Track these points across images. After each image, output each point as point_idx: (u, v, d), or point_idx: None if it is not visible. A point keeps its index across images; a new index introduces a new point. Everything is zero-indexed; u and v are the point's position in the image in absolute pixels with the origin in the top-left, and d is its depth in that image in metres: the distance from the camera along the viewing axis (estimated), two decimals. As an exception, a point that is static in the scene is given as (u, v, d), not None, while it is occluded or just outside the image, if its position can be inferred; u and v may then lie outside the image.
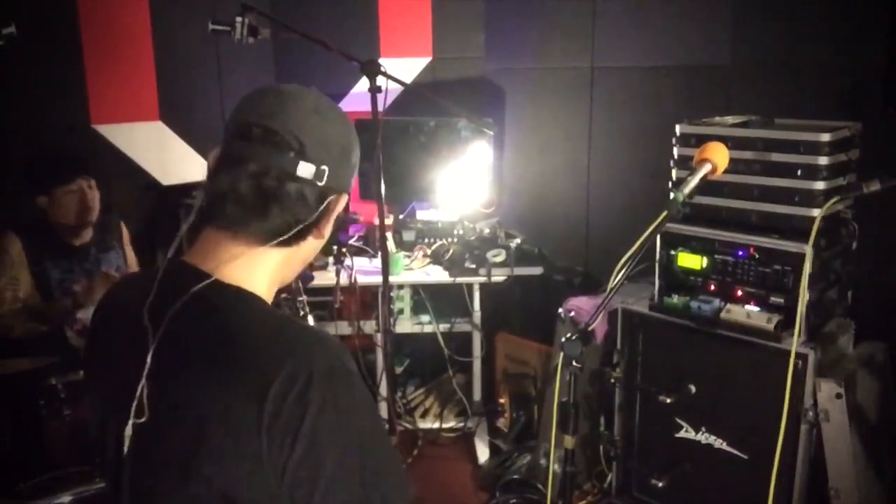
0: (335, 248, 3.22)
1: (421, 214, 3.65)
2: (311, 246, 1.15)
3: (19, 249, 2.79)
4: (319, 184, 1.08)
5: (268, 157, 1.05)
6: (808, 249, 2.27)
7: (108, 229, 3.04)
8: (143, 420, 1.01)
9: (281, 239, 1.08)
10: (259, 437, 0.94)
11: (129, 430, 1.02)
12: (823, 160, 2.32)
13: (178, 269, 1.08)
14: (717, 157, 1.87)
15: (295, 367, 0.96)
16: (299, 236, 1.10)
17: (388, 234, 3.07)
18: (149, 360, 1.01)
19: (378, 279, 2.80)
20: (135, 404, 1.01)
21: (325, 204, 1.10)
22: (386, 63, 2.52)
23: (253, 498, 0.96)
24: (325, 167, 1.08)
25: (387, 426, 3.12)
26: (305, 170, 1.06)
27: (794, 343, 2.26)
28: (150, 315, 1.03)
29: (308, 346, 1.00)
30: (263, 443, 0.94)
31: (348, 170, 1.14)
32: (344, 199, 1.14)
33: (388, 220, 3.39)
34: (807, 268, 2.28)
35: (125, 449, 1.03)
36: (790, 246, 2.35)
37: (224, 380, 0.97)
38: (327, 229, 1.14)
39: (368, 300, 3.46)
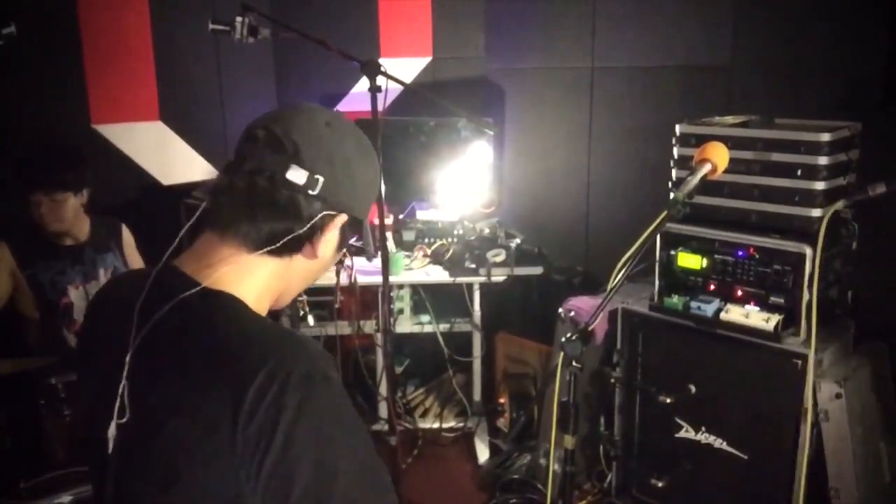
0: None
1: (421, 214, 3.64)
2: (304, 266, 1.10)
3: (8, 256, 2.76)
4: (312, 193, 1.04)
5: (264, 157, 1.04)
6: (806, 249, 2.28)
7: (106, 230, 3.00)
8: (124, 420, 1.01)
9: (269, 248, 1.04)
10: (234, 440, 0.93)
11: (112, 431, 1.02)
12: (823, 160, 2.32)
13: (168, 272, 1.08)
14: (717, 157, 1.87)
15: (272, 370, 0.94)
16: (289, 248, 1.06)
17: (388, 234, 3.07)
18: (127, 360, 1.01)
19: (378, 279, 2.79)
20: (117, 404, 1.01)
21: (317, 218, 1.06)
22: (386, 63, 2.51)
23: (230, 501, 0.95)
24: (318, 177, 1.04)
25: (387, 426, 3.12)
26: (296, 174, 1.03)
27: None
28: (138, 317, 1.03)
29: (287, 351, 0.99)
30: (238, 445, 0.93)
31: (353, 189, 1.09)
32: (340, 221, 1.09)
33: (388, 220, 3.38)
34: (807, 268, 2.28)
35: (109, 449, 1.04)
36: (790, 246, 2.35)
37: (202, 383, 0.96)
38: (322, 249, 1.09)
39: (368, 300, 3.45)
